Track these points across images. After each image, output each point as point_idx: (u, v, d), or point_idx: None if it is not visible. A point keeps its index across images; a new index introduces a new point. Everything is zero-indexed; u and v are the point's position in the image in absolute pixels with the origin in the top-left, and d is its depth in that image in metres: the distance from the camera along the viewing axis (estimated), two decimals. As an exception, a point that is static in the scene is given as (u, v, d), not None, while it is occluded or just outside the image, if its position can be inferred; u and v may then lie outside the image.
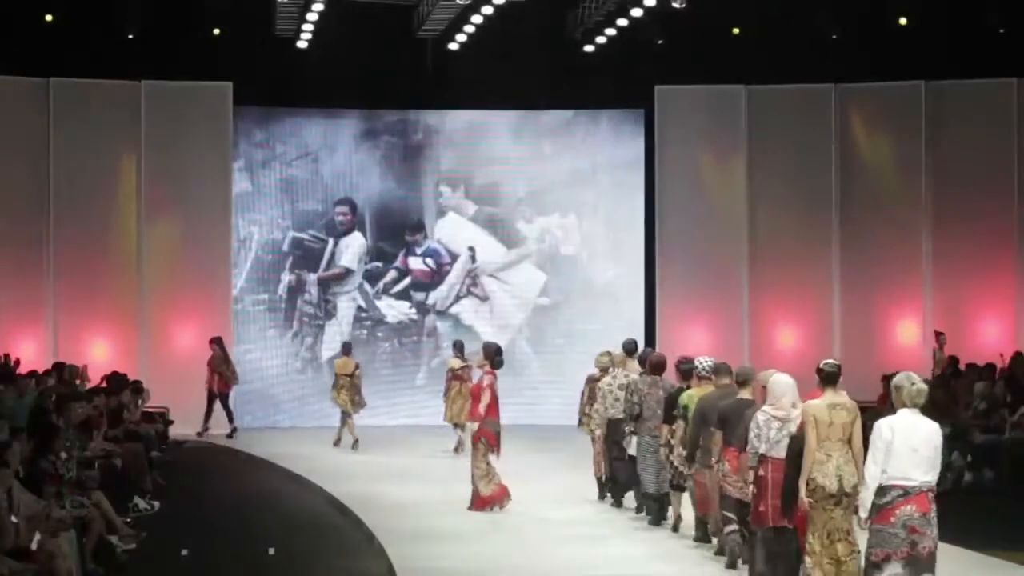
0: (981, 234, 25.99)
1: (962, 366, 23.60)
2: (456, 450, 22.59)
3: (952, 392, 22.67)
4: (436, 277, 28.20)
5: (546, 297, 28.17)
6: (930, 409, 22.66)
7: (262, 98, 27.15)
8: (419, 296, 28.19)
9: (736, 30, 26.28)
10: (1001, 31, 24.88)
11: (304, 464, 21.61)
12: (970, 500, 18.69)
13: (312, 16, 24.90)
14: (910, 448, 10.51)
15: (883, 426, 10.55)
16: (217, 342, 25.50)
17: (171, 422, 24.55)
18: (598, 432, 17.38)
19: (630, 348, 17.58)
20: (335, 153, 27.89)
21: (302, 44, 26.03)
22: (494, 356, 17.36)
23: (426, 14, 25.57)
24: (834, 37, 25.90)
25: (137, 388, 22.39)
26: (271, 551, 14.85)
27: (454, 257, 28.18)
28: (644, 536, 15.52)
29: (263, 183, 27.70)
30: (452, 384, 23.20)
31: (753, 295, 27.10)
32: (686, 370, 15.22)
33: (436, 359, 27.81)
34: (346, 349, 25.20)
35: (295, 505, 18.41)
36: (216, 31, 25.69)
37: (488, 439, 17.04)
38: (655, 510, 16.06)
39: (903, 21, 25.36)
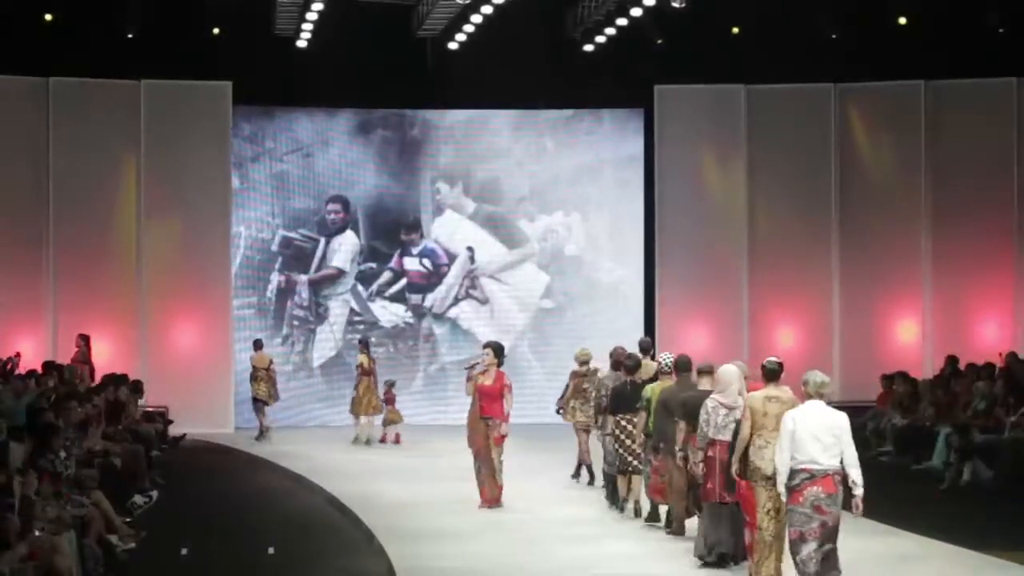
0: (981, 234, 26.02)
1: (962, 366, 23.61)
2: (367, 441, 24.15)
3: (952, 392, 22.68)
4: (433, 278, 27.89)
5: (549, 299, 28.00)
6: (932, 409, 22.88)
7: (262, 97, 27.12)
8: (415, 298, 27.82)
9: (736, 30, 26.28)
10: (1001, 31, 24.90)
11: (304, 464, 21.61)
12: (970, 500, 18.71)
13: (312, 15, 24.90)
14: (811, 436, 11.55)
15: (787, 418, 11.69)
16: (84, 339, 24.88)
17: (171, 421, 24.61)
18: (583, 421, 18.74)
19: (645, 347, 17.99)
20: (328, 149, 27.60)
21: (302, 43, 26.02)
22: (501, 355, 17.58)
23: (426, 13, 25.57)
24: (834, 37, 25.92)
25: (137, 387, 22.41)
26: (271, 551, 14.84)
27: (452, 257, 27.97)
28: (643, 535, 15.52)
29: (252, 179, 27.35)
30: (361, 380, 24.35)
31: (753, 294, 27.11)
32: (630, 366, 16.63)
33: (434, 365, 27.65)
34: (258, 345, 25.46)
35: (295, 505, 18.40)
36: (216, 31, 25.69)
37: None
38: (609, 491, 17.30)
39: (903, 21, 25.37)
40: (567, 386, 19.54)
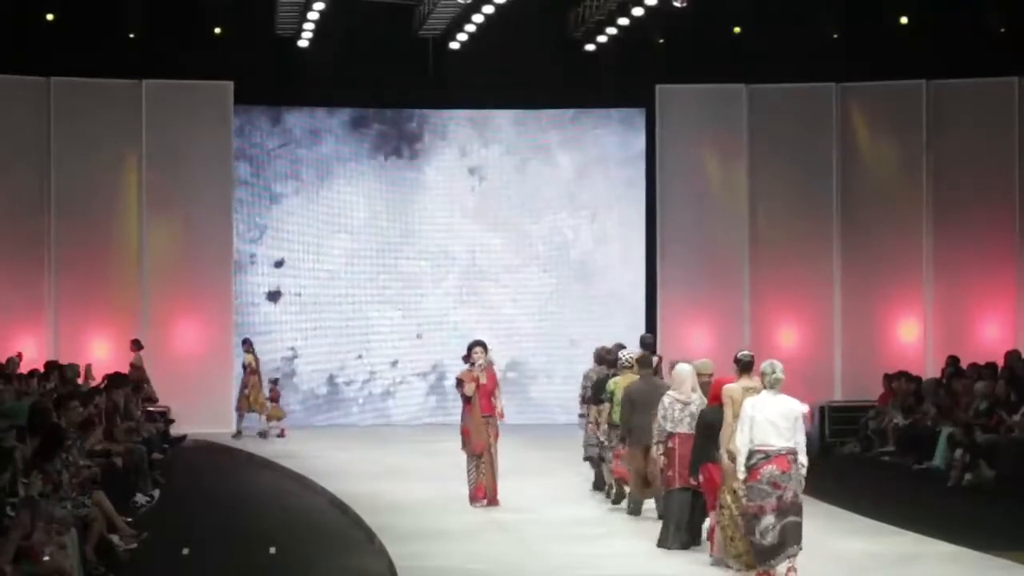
0: (981, 233, 26.01)
1: (963, 365, 23.59)
2: (236, 435, 25.31)
3: (953, 392, 22.67)
4: (433, 280, 27.92)
5: (552, 300, 27.87)
6: (934, 409, 22.85)
7: (263, 97, 27.12)
8: (414, 301, 27.89)
9: (737, 29, 26.28)
10: (1002, 31, 24.89)
11: (304, 463, 21.62)
12: (970, 500, 18.71)
13: (313, 15, 24.91)
14: (768, 421, 12.60)
15: (747, 405, 12.74)
16: None
17: (172, 421, 24.62)
18: None
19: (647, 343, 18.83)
20: (324, 146, 27.50)
21: (303, 43, 26.02)
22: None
23: (427, 13, 25.57)
24: (835, 36, 25.92)
25: (138, 387, 22.40)
26: (272, 550, 14.85)
27: (453, 259, 28.00)
28: (643, 535, 15.50)
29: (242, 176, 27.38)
30: (250, 378, 25.53)
31: (754, 293, 27.11)
32: (612, 360, 17.68)
33: (433, 372, 27.57)
34: (137, 345, 25.21)
35: (295, 504, 18.41)
36: (217, 30, 25.70)
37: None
38: (596, 475, 18.30)
39: (904, 20, 25.38)
40: None
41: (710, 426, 13.61)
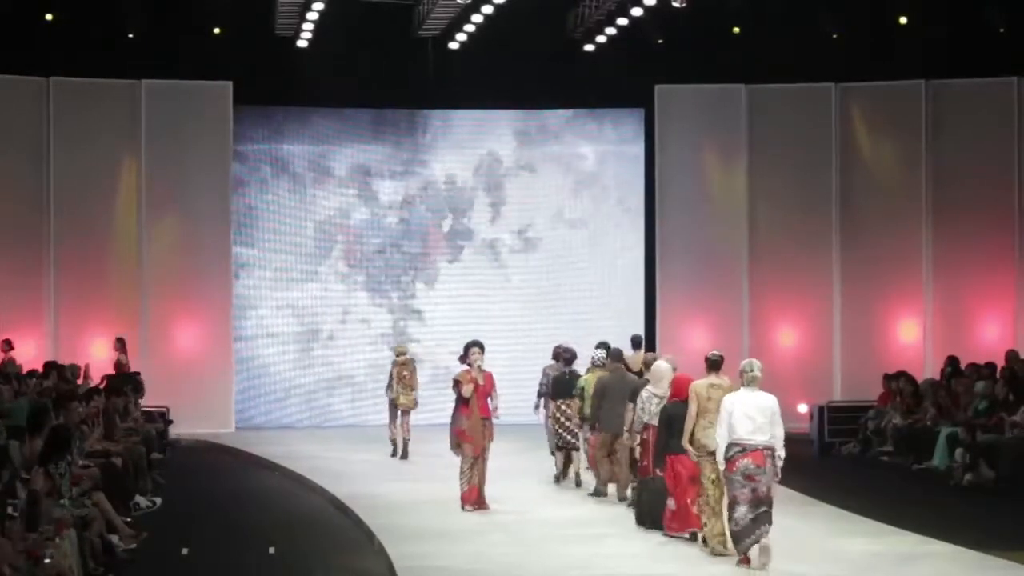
0: (982, 233, 26.02)
1: (963, 365, 23.60)
2: None
3: (953, 392, 22.68)
4: (432, 280, 27.98)
5: (549, 299, 27.95)
6: (933, 409, 22.86)
7: (262, 97, 27.12)
8: (414, 301, 28.00)
9: (736, 29, 26.28)
10: (1002, 30, 24.90)
11: (305, 464, 21.61)
12: (970, 500, 18.72)
13: (312, 15, 24.91)
14: (746, 416, 13.32)
15: (726, 401, 13.51)
16: None
17: (171, 422, 24.60)
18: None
19: (636, 342, 20.41)
20: (323, 146, 27.60)
21: (302, 43, 26.02)
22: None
23: (426, 13, 25.56)
24: (835, 36, 25.92)
25: (137, 386, 22.40)
26: (272, 550, 14.85)
27: (452, 259, 28.01)
28: (643, 535, 15.52)
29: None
30: None
31: (753, 294, 27.11)
32: (568, 358, 19.30)
33: (432, 369, 27.63)
34: (7, 346, 24.65)
35: (295, 505, 18.42)
36: (216, 30, 25.69)
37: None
38: (559, 464, 19.43)
39: (903, 20, 25.39)
40: (391, 375, 22.83)
41: (672, 419, 14.59)
